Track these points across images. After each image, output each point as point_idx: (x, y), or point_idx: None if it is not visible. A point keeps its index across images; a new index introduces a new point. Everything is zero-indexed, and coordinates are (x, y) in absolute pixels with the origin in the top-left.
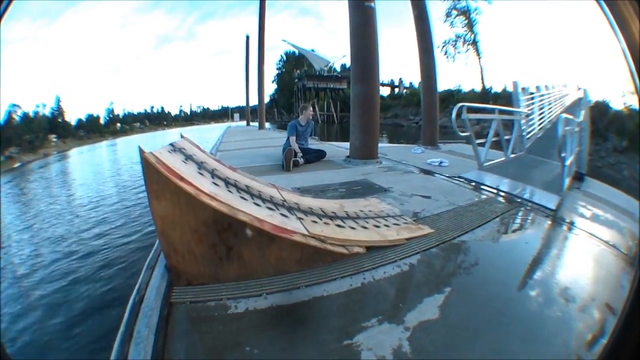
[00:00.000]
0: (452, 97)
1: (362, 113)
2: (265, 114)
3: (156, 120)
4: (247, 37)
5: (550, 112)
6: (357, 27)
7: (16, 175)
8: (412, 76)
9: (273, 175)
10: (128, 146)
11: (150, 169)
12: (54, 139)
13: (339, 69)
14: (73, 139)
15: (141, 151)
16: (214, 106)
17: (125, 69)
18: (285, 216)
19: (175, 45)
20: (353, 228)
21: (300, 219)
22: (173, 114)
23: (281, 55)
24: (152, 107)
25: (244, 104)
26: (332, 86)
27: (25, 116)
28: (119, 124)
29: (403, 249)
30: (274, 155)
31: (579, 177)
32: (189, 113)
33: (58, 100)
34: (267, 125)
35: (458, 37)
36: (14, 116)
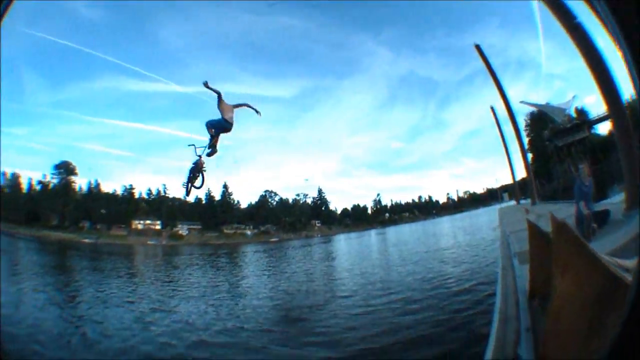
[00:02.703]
0: None
1: None
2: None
3: (425, 209)
4: (492, 108)
5: None
6: None
7: (272, 247)
8: None
9: None
10: (398, 234)
11: (561, 236)
12: (317, 224)
13: (574, 115)
14: (339, 226)
15: (552, 217)
16: (480, 189)
17: (388, 164)
18: None
19: (425, 135)
20: None
21: None
22: (441, 202)
23: (526, 120)
24: (420, 197)
25: (508, 181)
26: (577, 137)
27: (281, 201)
28: (387, 214)
29: None
30: None
31: None
32: (456, 200)
33: (320, 191)
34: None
35: None
36: (269, 200)
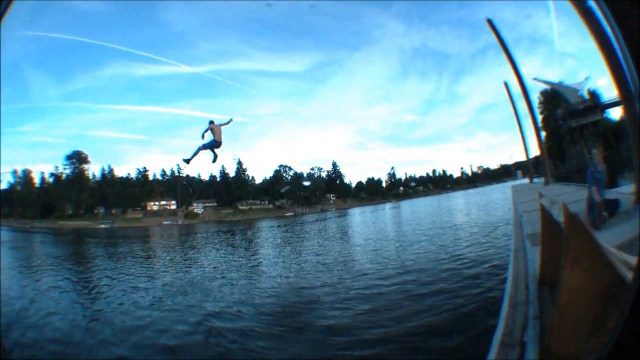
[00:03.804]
0: None
1: None
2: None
3: (439, 183)
4: (506, 84)
5: None
6: None
7: (286, 222)
8: None
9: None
10: (413, 208)
11: (573, 229)
12: (332, 197)
13: (586, 96)
14: (354, 199)
15: (564, 208)
16: (493, 165)
17: (403, 137)
18: None
19: (440, 108)
20: None
21: None
22: (455, 176)
23: (539, 98)
24: (435, 171)
25: (522, 158)
26: (590, 120)
27: (296, 175)
28: (401, 187)
29: None
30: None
31: None
32: (470, 174)
33: (335, 164)
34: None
35: None
36: (283, 174)
